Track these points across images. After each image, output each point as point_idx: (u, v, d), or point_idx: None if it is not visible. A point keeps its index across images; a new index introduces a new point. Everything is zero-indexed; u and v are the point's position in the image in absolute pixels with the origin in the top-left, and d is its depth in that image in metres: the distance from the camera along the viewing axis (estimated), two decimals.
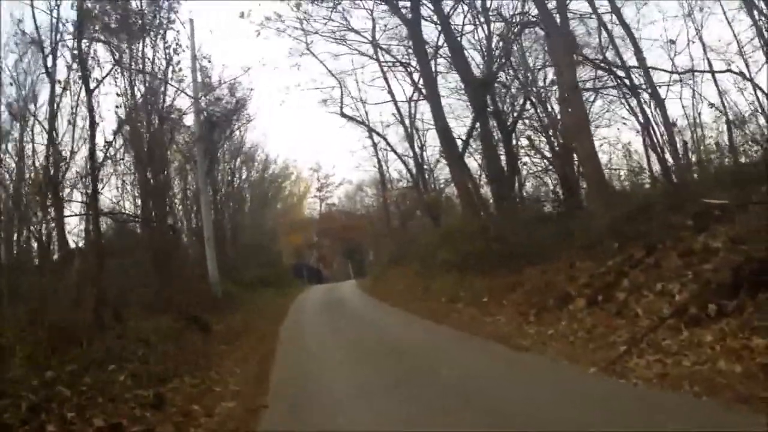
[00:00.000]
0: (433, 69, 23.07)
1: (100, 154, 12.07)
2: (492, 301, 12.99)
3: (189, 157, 23.97)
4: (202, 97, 22.73)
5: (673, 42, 19.65)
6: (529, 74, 22.27)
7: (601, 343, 7.63)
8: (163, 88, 17.05)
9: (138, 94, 15.06)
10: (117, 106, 14.50)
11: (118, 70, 14.74)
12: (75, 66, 12.15)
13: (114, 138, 13.58)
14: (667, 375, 5.76)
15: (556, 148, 20.89)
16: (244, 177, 37.44)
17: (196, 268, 21.75)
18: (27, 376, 6.43)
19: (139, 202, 18.08)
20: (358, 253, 58.76)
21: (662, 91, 18.55)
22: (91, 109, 10.76)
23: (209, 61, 22.98)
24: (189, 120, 22.93)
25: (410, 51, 25.15)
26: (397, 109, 29.73)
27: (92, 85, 11.42)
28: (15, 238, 14.34)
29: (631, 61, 19.14)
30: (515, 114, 22.27)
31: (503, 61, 21.92)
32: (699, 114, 19.35)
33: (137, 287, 14.19)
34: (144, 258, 15.95)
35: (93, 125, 10.69)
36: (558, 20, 16.54)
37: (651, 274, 8.88)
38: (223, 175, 30.73)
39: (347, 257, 59.77)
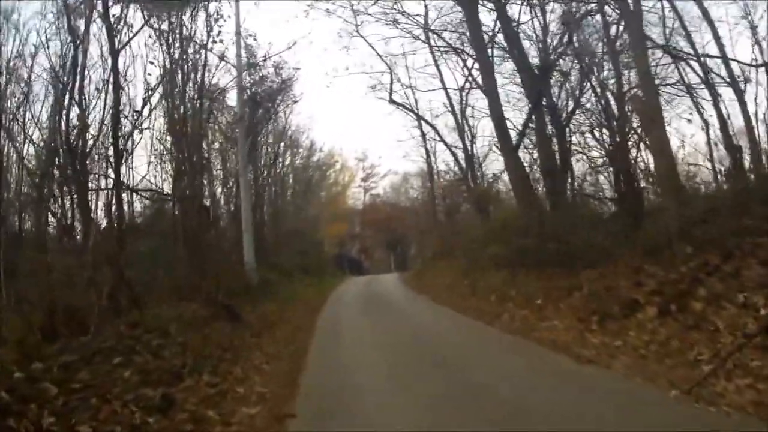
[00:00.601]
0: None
1: (126, 124, 11.07)
2: (547, 304, 11.82)
3: (230, 138, 23.00)
4: (246, 75, 21.73)
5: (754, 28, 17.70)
6: (586, 65, 20.63)
7: (679, 360, 6.77)
8: (202, 60, 15.94)
9: (172, 63, 13.89)
10: (148, 74, 13.39)
11: (152, 36, 13.67)
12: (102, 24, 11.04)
13: (143, 107, 12.55)
14: (762, 403, 5.00)
15: (609, 146, 19.39)
16: (287, 162, 36.54)
17: (233, 253, 20.81)
18: (7, 368, 5.34)
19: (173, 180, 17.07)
20: (401, 246, 57.55)
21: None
22: (116, 71, 9.73)
23: (255, 39, 21.99)
24: (231, 100, 22.03)
25: (464, 37, 23.71)
26: (448, 97, 28.26)
27: (119, 45, 10.34)
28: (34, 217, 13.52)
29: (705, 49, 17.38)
30: (570, 108, 20.75)
31: (563, 48, 20.28)
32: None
33: (166, 270, 13.21)
34: (176, 240, 14.94)
35: (117, 88, 9.69)
36: (631, 4, 15.02)
37: (730, 284, 7.91)
38: (265, 159, 29.71)
39: (389, 249, 58.66)
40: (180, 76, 14.42)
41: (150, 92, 12.39)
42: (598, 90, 20.09)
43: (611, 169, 19.16)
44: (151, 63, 13.53)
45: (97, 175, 10.74)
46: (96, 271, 8.30)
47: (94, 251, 8.52)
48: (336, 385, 7.46)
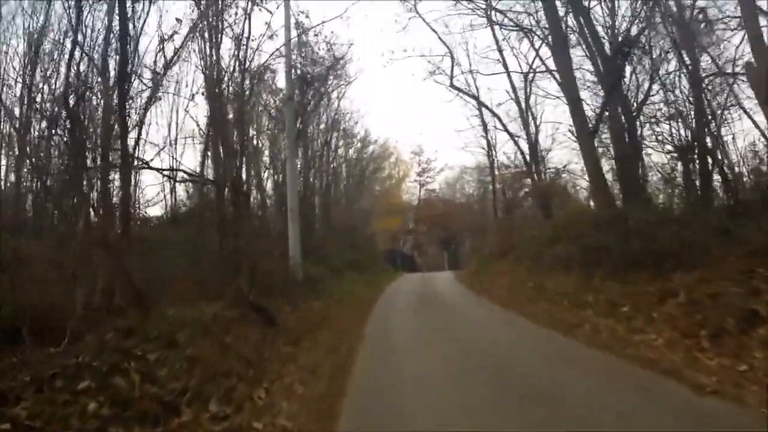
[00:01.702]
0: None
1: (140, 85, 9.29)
2: (635, 313, 9.83)
3: (278, 121, 21.27)
4: (296, 52, 19.94)
5: None
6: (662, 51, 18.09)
7: None
8: (246, 32, 14.01)
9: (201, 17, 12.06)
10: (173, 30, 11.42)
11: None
12: None
13: (168, 65, 10.70)
14: None
15: (687, 136, 17.04)
16: (340, 153, 34.76)
17: (277, 246, 19.08)
18: None
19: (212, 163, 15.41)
20: (455, 243, 55.42)
21: None
22: (123, 12, 7.86)
23: (307, 17, 20.14)
24: (280, 81, 20.31)
25: (531, 17, 21.40)
26: (511, 84, 26.04)
27: None
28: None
29: None
30: (641, 98, 18.30)
31: (645, 25, 17.72)
32: None
33: (193, 263, 11.47)
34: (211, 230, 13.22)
35: (124, 36, 7.79)
36: None
37: None
38: (315, 147, 27.89)
39: (443, 247, 56.55)
40: (212, 32, 12.53)
41: (169, 39, 10.41)
42: (675, 74, 17.73)
43: (690, 158, 16.86)
44: (178, 20, 11.69)
45: (98, 148, 8.81)
46: (83, 261, 6.49)
47: (84, 237, 6.72)
48: (389, 418, 5.49)
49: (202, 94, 13.71)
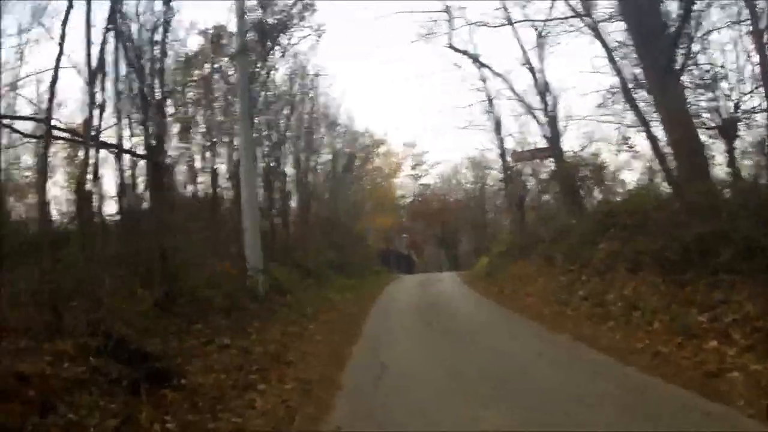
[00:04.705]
0: None
1: None
2: None
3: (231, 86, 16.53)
4: None
5: None
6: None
7: None
8: None
9: None
10: None
11: None
12: None
13: None
14: None
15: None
16: (322, 133, 29.93)
17: (230, 246, 14.48)
18: None
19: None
20: (453, 242, 51.56)
21: None
22: None
23: None
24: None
25: None
26: (522, 49, 20.89)
27: None
28: None
29: None
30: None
31: None
32: None
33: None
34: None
35: None
36: None
37: None
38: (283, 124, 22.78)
39: (440, 245, 52.50)
40: None
41: None
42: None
43: None
44: None
45: None
46: None
47: None
48: None
49: None
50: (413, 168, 51.54)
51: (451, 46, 22.18)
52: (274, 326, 10.48)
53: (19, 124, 11.75)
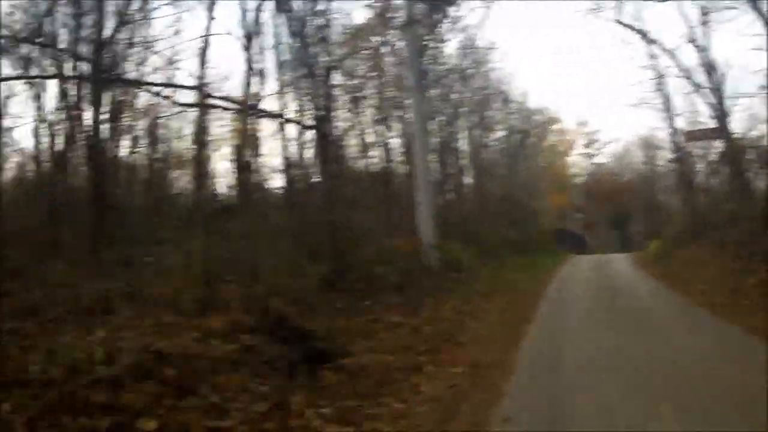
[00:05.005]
0: None
1: None
2: None
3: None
4: None
5: None
6: None
7: None
8: None
9: None
10: None
11: None
12: None
13: None
14: None
15: None
16: (495, 109, 29.16)
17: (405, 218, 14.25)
18: None
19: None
20: (624, 223, 48.68)
21: None
22: None
23: None
24: None
25: None
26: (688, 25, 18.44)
27: None
28: None
29: None
30: None
31: None
32: None
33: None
34: None
35: None
36: None
37: None
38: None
39: (612, 226, 49.56)
40: None
41: None
42: None
43: None
44: None
45: None
46: None
47: None
48: None
49: None
50: (586, 146, 50.06)
51: (619, 21, 20.50)
52: (447, 304, 9.91)
53: (180, 96, 12.02)
